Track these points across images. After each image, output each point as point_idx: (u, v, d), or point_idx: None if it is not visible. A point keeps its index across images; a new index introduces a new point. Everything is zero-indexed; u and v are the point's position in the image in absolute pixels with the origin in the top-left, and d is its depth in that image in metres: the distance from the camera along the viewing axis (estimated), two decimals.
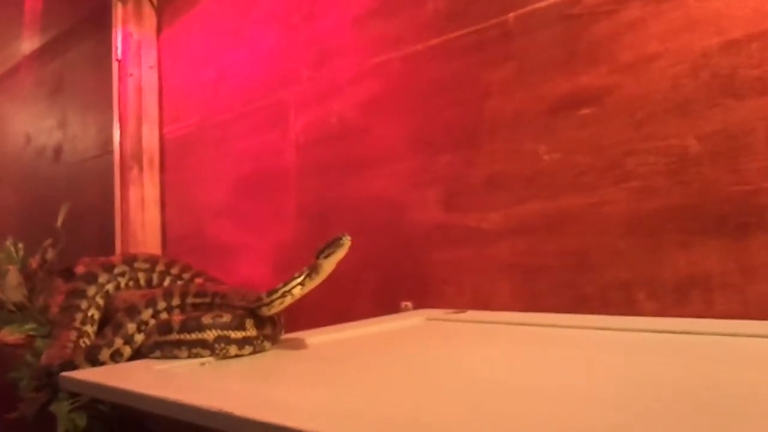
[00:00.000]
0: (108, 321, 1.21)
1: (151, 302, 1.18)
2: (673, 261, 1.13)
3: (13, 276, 1.60)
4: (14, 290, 1.58)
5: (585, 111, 1.24)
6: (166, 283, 1.47)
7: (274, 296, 1.01)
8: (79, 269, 1.46)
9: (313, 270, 1.01)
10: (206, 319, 0.99)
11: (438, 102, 1.48)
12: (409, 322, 1.31)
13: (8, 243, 1.70)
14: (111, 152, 2.35)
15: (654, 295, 1.15)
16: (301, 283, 1.01)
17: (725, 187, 1.08)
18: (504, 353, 0.98)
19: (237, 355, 1.00)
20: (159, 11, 2.35)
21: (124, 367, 1.08)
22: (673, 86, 1.14)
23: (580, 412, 0.62)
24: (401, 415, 0.64)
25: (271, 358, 1.01)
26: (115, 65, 2.35)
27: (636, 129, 1.17)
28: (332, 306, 1.60)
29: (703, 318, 1.08)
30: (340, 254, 0.98)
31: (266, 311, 1.02)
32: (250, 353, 1.01)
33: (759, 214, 1.04)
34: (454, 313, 1.34)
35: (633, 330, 1.03)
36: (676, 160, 1.13)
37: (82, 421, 1.19)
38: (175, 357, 0.99)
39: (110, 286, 1.41)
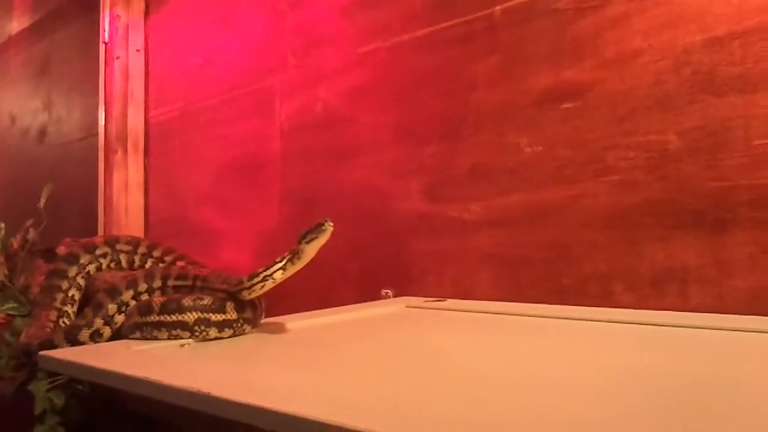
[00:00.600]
0: (89, 302, 1.21)
1: (132, 283, 1.18)
2: (651, 255, 1.14)
3: None
4: None
5: (568, 105, 1.25)
6: (148, 265, 1.47)
7: (255, 280, 1.02)
8: (61, 250, 1.46)
9: (295, 255, 1.01)
10: (187, 302, 1.00)
11: (423, 93, 1.49)
12: (389, 309, 1.32)
13: None
14: (96, 135, 2.34)
15: (631, 288, 1.16)
16: (283, 268, 1.02)
17: (703, 183, 1.09)
18: (481, 341, 0.98)
19: (217, 338, 1.00)
20: None
21: (103, 347, 1.08)
22: (655, 82, 1.15)
23: (555, 401, 0.63)
24: (378, 398, 0.65)
25: (251, 341, 1.02)
26: (102, 48, 2.34)
27: (617, 124, 1.19)
28: (313, 292, 1.60)
29: (679, 311, 1.10)
30: (322, 239, 0.98)
31: (247, 295, 1.03)
32: (230, 336, 1.01)
33: (735, 210, 1.06)
34: (434, 301, 1.35)
35: (610, 321, 1.04)
36: (656, 156, 1.14)
37: (60, 400, 1.19)
38: (155, 338, 1.00)
39: (92, 267, 1.40)
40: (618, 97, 1.19)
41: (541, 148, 1.29)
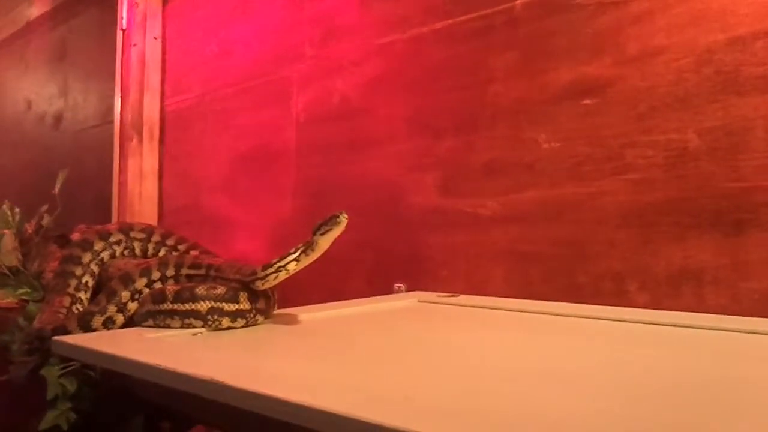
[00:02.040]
0: (102, 289, 1.21)
1: (145, 271, 1.18)
2: (667, 254, 1.14)
3: (8, 240, 1.60)
4: (9, 254, 1.58)
5: (587, 101, 1.24)
6: (162, 253, 1.47)
7: (269, 271, 1.01)
8: (75, 236, 1.46)
9: (309, 246, 1.01)
10: (200, 290, 1.00)
11: (441, 86, 1.48)
12: (401, 303, 1.31)
13: (4, 207, 1.70)
14: (111, 122, 2.34)
15: (646, 287, 1.16)
16: (296, 259, 1.01)
17: (722, 183, 1.08)
18: (494, 337, 0.98)
19: (229, 328, 1.00)
20: None
21: (116, 333, 1.08)
22: (676, 80, 1.14)
23: (566, 397, 0.62)
24: (389, 390, 0.65)
25: (263, 331, 1.01)
26: (119, 35, 2.34)
27: (637, 121, 1.18)
28: (326, 284, 1.60)
29: (694, 312, 1.09)
30: (336, 232, 0.98)
31: (260, 285, 1.02)
32: (243, 326, 1.01)
33: (754, 212, 1.05)
34: (447, 296, 1.34)
35: (624, 320, 1.04)
36: (675, 154, 1.13)
37: (72, 386, 1.20)
38: (168, 327, 1.00)
39: (105, 254, 1.40)
40: (638, 95, 1.18)
41: (558, 144, 1.28)
